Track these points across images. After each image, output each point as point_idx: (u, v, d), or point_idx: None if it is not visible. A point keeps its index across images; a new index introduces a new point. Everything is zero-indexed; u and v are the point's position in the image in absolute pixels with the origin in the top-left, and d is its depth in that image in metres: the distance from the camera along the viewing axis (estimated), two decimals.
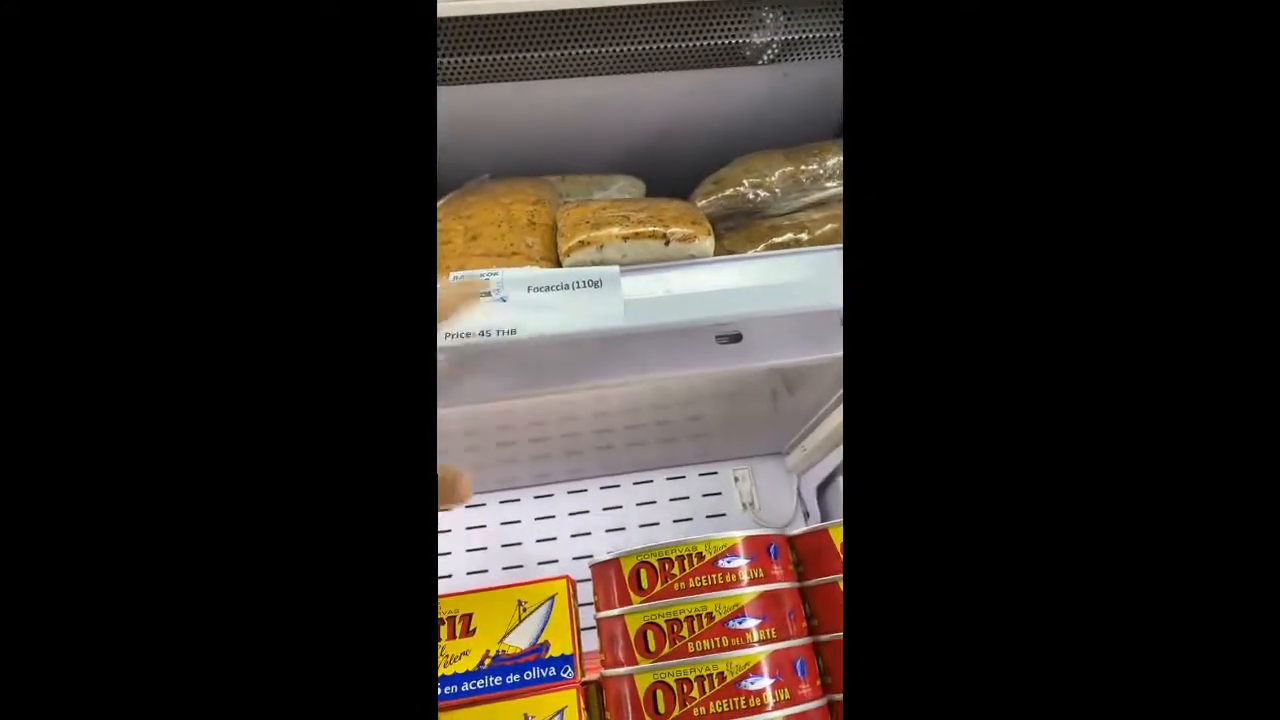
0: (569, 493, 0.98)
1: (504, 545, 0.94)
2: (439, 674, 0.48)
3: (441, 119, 0.64)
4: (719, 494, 1.01)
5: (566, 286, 0.49)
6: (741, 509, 0.99)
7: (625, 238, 0.50)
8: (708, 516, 0.98)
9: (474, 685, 0.48)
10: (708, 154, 0.69)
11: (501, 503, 0.97)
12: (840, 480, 0.93)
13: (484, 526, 0.95)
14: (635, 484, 1.00)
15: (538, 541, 0.95)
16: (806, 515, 0.98)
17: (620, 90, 0.67)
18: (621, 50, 0.65)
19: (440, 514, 1.00)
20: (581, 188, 0.67)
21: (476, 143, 0.70)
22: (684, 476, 1.01)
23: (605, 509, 0.98)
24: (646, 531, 0.96)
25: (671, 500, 1.00)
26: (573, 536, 0.95)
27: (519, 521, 0.96)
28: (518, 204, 0.59)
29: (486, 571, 0.92)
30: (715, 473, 1.02)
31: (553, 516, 0.97)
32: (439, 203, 0.63)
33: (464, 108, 0.65)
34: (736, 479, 1.01)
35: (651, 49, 0.65)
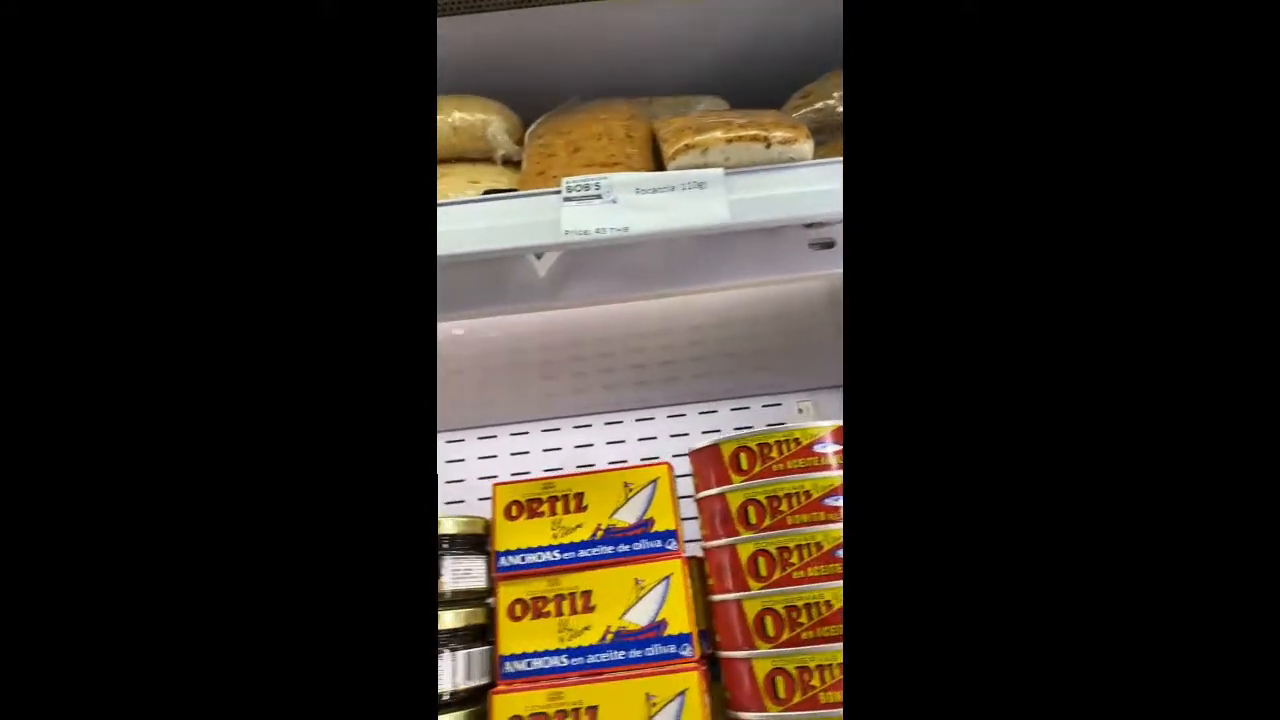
0: (637, 420, 1.03)
1: (579, 466, 1.00)
2: (559, 542, 0.53)
3: (520, 43, 0.67)
4: (782, 424, 1.04)
5: (672, 188, 0.52)
6: None
7: (728, 140, 0.52)
8: None
9: (589, 553, 0.53)
10: (791, 75, 0.70)
11: (575, 428, 1.02)
12: None
13: (559, 449, 1.01)
14: (700, 413, 1.04)
15: (610, 463, 1.00)
16: None
17: (703, 9, 0.69)
18: None
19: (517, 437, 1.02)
20: (668, 108, 0.69)
21: (562, 67, 0.72)
22: (748, 407, 1.04)
23: (672, 436, 1.02)
24: None
25: (736, 429, 1.03)
26: (641, 460, 1.00)
27: (591, 445, 1.01)
28: (614, 120, 0.62)
29: None
30: (779, 404, 1.05)
31: (622, 441, 1.01)
32: (537, 122, 0.66)
33: (543, 32, 0.67)
34: (800, 410, 1.04)
35: None
